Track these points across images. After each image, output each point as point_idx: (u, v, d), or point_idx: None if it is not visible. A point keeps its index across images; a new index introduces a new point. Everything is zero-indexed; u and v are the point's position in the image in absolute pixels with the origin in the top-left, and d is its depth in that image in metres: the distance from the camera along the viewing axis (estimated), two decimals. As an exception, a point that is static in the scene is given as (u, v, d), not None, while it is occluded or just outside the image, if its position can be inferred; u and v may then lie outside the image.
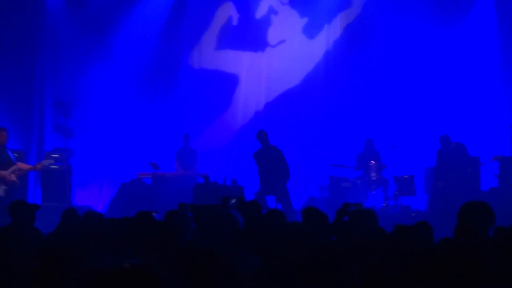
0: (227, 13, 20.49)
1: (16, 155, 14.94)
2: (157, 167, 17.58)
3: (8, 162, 14.23)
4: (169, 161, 18.57)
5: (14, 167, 14.25)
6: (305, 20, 20.35)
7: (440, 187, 16.50)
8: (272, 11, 20.42)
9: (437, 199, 16.50)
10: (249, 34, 20.42)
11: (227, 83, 20.44)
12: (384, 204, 17.36)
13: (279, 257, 5.84)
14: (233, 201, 9.31)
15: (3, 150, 14.33)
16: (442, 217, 13.64)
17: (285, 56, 20.24)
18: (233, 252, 6.53)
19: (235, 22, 20.51)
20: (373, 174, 17.42)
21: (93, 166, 19.12)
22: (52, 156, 16.38)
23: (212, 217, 7.93)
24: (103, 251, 6.45)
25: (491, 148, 17.33)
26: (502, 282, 5.31)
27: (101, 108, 19.45)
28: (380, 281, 5.34)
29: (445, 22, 19.30)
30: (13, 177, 14.16)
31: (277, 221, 8.04)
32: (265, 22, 20.46)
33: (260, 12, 20.45)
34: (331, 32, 20.29)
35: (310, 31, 20.36)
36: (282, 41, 20.41)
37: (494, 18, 18.96)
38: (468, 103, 18.86)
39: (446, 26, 19.28)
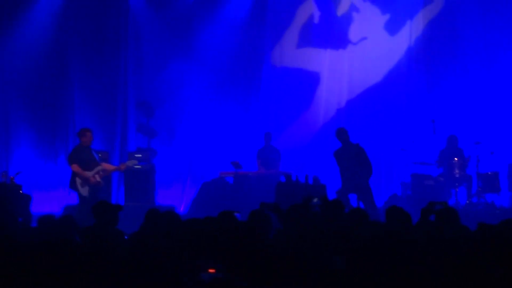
0: (309, 11, 20.43)
1: (100, 155, 15.13)
2: (239, 166, 17.63)
3: (93, 163, 14.43)
4: (251, 160, 18.63)
5: (98, 168, 14.43)
6: (386, 16, 20.17)
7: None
8: (353, 8, 20.31)
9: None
10: (331, 32, 20.34)
11: (308, 81, 20.39)
12: (467, 202, 17.13)
13: (363, 257, 5.78)
14: (315, 200, 9.26)
15: (89, 151, 14.52)
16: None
17: (366, 54, 20.09)
18: (317, 252, 6.50)
19: (316, 20, 20.44)
20: (456, 171, 17.21)
21: (176, 166, 19.29)
22: (136, 156, 16.57)
23: (296, 217, 7.92)
24: (185, 252, 6.48)
25: None
26: None
27: (184, 107, 19.63)
28: (465, 280, 5.27)
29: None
30: (97, 178, 14.34)
31: (361, 220, 8.01)
32: (347, 19, 20.35)
33: (342, 9, 20.35)
34: (413, 29, 20.06)
35: (392, 27, 20.17)
36: (363, 38, 20.27)
37: None
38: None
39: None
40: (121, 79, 19.13)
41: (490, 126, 18.87)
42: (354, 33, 20.34)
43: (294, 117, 20.10)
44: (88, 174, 14.20)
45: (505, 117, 18.91)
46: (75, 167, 14.22)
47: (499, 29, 19.08)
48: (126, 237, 8.32)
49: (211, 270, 5.88)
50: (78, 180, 14.19)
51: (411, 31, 20.09)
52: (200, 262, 6.07)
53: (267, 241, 6.99)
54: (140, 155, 16.69)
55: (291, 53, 20.53)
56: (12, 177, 15.02)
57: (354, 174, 14.89)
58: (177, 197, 18.71)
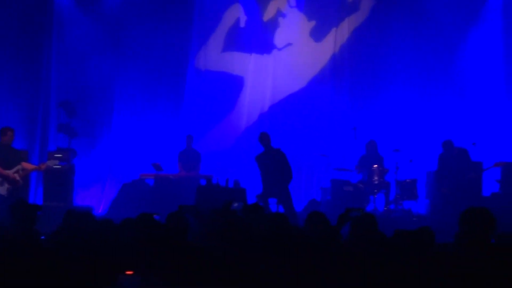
0: (235, 15, 20.42)
1: (21, 154, 14.89)
2: (160, 169, 17.52)
3: (13, 161, 14.20)
4: (172, 162, 18.51)
5: (18, 167, 14.20)
6: (312, 23, 20.29)
7: (442, 192, 16.44)
8: (280, 13, 20.37)
9: (439, 204, 16.45)
10: (256, 37, 20.36)
11: (232, 85, 20.36)
12: (385, 208, 17.28)
13: (282, 259, 5.81)
14: (236, 205, 9.24)
15: (9, 149, 14.28)
16: (443, 222, 13.62)
17: (291, 59, 20.18)
18: (238, 254, 6.50)
19: (242, 24, 20.44)
20: (376, 177, 17.36)
21: (96, 166, 19.07)
22: (56, 156, 16.32)
23: (215, 221, 7.90)
24: (102, 253, 6.41)
25: (494, 153, 17.25)
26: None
27: (105, 108, 19.42)
28: (381, 285, 5.31)
29: (453, 26, 19.23)
30: (17, 177, 14.11)
31: (281, 224, 8.01)
32: (273, 24, 20.40)
33: (268, 14, 20.39)
34: (339, 36, 20.22)
35: (318, 34, 20.29)
36: (289, 44, 20.35)
37: (500, 23, 18.90)
38: (472, 108, 18.82)
39: (453, 30, 19.23)
40: (43, 77, 18.81)
41: (409, 134, 19.15)
42: (279, 38, 20.39)
43: (217, 120, 20.04)
44: (8, 172, 13.97)
45: (425, 126, 19.20)
46: (-5, 166, 14.01)
47: (423, 37, 19.34)
48: (43, 237, 8.19)
49: (128, 272, 5.83)
50: (-3, 179, 13.97)
51: (336, 38, 20.23)
52: (117, 263, 6.00)
53: (184, 243, 6.96)
54: (60, 155, 16.41)
55: (216, 56, 20.46)
56: None
57: (274, 178, 14.91)
58: (96, 198, 18.48)
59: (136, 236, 6.83)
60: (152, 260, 6.12)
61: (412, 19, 19.47)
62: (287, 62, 20.19)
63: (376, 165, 17.42)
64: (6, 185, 13.91)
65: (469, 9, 19.32)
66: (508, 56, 18.66)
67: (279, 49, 20.37)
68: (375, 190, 17.33)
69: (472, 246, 6.04)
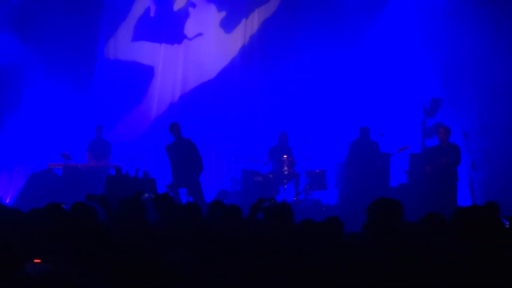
0: (145, 4, 20.23)
1: None
2: (69, 158, 17.26)
3: None
4: (81, 152, 18.26)
5: None
6: (223, 14, 20.27)
7: (350, 180, 16.61)
8: (190, 4, 20.26)
9: (348, 194, 16.63)
10: (166, 26, 20.22)
11: (142, 75, 20.17)
12: (295, 198, 17.40)
13: (199, 249, 5.79)
14: (146, 195, 9.17)
15: None
16: (352, 212, 13.78)
17: (201, 50, 20.12)
18: (150, 243, 6.46)
19: (152, 13, 20.27)
20: (285, 168, 17.45)
21: (3, 155, 18.65)
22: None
23: (126, 211, 7.84)
24: (8, 242, 6.29)
25: (403, 145, 17.50)
26: (408, 278, 5.35)
27: (13, 95, 19.00)
28: (290, 276, 5.33)
29: (362, 16, 19.38)
30: None
31: (195, 214, 8.00)
32: (183, 14, 20.28)
33: (178, 4, 20.27)
34: (248, 27, 20.26)
35: (228, 25, 20.28)
36: (199, 34, 20.27)
37: (412, 13, 19.14)
38: (380, 100, 19.02)
39: (363, 20, 19.39)
40: None
41: (319, 125, 19.32)
42: (190, 28, 20.30)
43: (127, 110, 19.83)
44: None
45: (334, 117, 19.38)
46: None
47: (333, 30, 19.49)
48: None
49: (36, 260, 5.75)
50: None
51: (246, 29, 20.27)
52: (24, 252, 5.90)
53: (91, 232, 6.88)
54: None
55: (126, 46, 20.23)
56: None
57: (184, 168, 14.87)
58: (3, 188, 18.08)
59: (44, 225, 6.72)
60: (59, 248, 6.04)
61: (322, 10, 19.56)
62: (197, 52, 20.12)
63: (285, 156, 17.51)
64: None
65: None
66: (418, 46, 18.90)
67: (189, 39, 20.29)
68: (285, 181, 17.42)
69: (379, 235, 6.11)
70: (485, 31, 17.68)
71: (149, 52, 20.22)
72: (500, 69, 17.62)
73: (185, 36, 20.31)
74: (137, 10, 20.24)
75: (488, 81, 17.82)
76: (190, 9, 20.29)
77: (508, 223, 8.03)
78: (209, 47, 20.09)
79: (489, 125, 17.70)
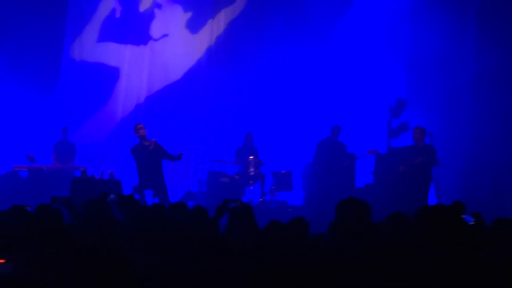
0: (110, 5, 20.16)
1: None
2: (34, 160, 17.14)
3: None
4: (46, 154, 18.13)
5: None
6: (189, 14, 20.23)
7: (317, 181, 16.64)
8: (156, 4, 20.23)
9: (314, 195, 16.66)
10: (132, 27, 20.16)
11: (108, 76, 20.10)
12: (261, 199, 17.40)
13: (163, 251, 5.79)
14: (112, 196, 9.13)
15: None
16: (318, 213, 13.80)
17: (167, 50, 20.08)
18: (115, 245, 6.44)
19: (118, 14, 20.20)
20: (251, 169, 17.45)
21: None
22: None
23: (90, 211, 7.82)
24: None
25: (369, 145, 17.56)
26: (373, 278, 5.38)
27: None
28: (255, 277, 5.34)
29: (330, 16, 19.46)
30: None
31: (162, 216, 7.98)
32: (149, 15, 20.24)
33: (144, 5, 20.23)
34: (215, 28, 20.24)
35: (194, 26, 20.26)
36: (165, 35, 20.23)
37: (378, 13, 19.20)
38: (346, 100, 19.08)
39: (331, 20, 19.46)
40: None
41: (286, 125, 19.35)
42: (155, 29, 20.26)
43: (93, 111, 19.73)
44: None
45: (301, 117, 19.43)
46: None
47: (302, 30, 19.53)
48: None
49: (0, 261, 5.74)
50: None
51: (213, 30, 20.25)
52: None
53: (57, 234, 6.86)
54: None
55: (92, 47, 20.14)
56: None
57: (150, 170, 14.82)
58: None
59: (8, 228, 6.68)
60: (23, 249, 6.03)
61: (288, 9, 19.61)
62: (163, 53, 20.08)
63: (251, 157, 17.52)
64: None
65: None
66: (382, 47, 18.99)
67: (155, 40, 20.24)
68: (251, 182, 17.41)
69: (345, 235, 6.13)
70: (449, 29, 17.81)
71: (115, 53, 20.14)
72: (464, 67, 17.76)
73: (151, 37, 20.25)
74: (103, 11, 20.16)
75: (452, 79, 17.95)
76: (156, 10, 20.25)
77: (473, 219, 8.09)
78: (175, 48, 20.05)
79: (454, 124, 17.82)
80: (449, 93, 18.01)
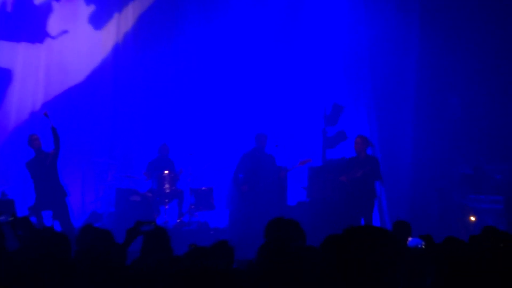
0: (0, -3, 19.93)
1: None
2: None
3: None
4: None
5: None
6: (91, 8, 20.06)
7: (242, 199, 16.63)
8: (53, -4, 20.05)
9: (239, 215, 16.63)
10: (26, 23, 19.87)
11: (-2, 79, 19.85)
12: (178, 220, 17.37)
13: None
14: (3, 218, 8.97)
15: None
16: (244, 235, 13.80)
17: (67, 50, 19.84)
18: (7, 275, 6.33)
19: (9, 8, 19.91)
20: (166, 185, 17.36)
21: None
22: None
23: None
24: None
25: (301, 158, 17.57)
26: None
27: None
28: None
29: (254, 11, 19.55)
30: None
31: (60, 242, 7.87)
32: (45, 9, 19.99)
33: (40, -3, 20.04)
34: (122, 23, 20.12)
35: (98, 21, 20.09)
36: (64, 32, 19.99)
37: (312, 9, 19.32)
38: (274, 106, 19.14)
39: (255, 16, 19.53)
40: None
41: (205, 135, 19.33)
42: (53, 25, 20.00)
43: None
44: None
45: (224, 126, 19.47)
46: None
47: (221, 25, 19.57)
48: None
49: None
50: None
51: (119, 25, 20.10)
52: None
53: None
54: None
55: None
56: None
57: (48, 188, 14.61)
58: None
59: None
60: None
61: (205, 2, 19.66)
62: (62, 53, 19.84)
63: (166, 171, 17.42)
64: None
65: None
66: (313, 45, 19.10)
67: (53, 38, 19.99)
68: (166, 200, 17.35)
69: (273, 262, 6.09)
70: (389, 25, 18.04)
71: (6, 53, 19.82)
72: (406, 67, 18.00)
73: (47, 34, 20.00)
74: (-9, 4, 19.88)
75: (394, 80, 18.16)
76: (54, 3, 20.01)
77: (423, 242, 8.14)
78: (76, 46, 19.83)
79: (397, 130, 18.01)
80: (391, 96, 18.19)
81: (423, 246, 8.07)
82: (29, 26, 19.88)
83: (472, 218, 16.29)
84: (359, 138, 15.80)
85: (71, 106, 19.63)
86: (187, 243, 7.18)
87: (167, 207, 17.37)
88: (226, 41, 19.56)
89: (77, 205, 18.04)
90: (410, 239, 9.56)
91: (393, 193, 17.55)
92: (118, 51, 20.00)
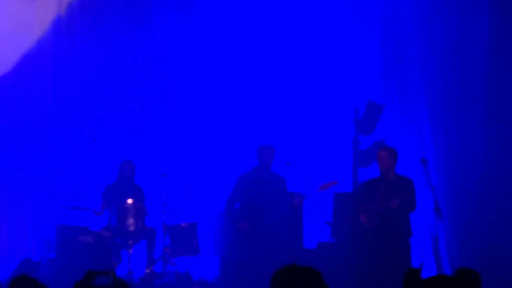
0: None
1: None
2: None
3: None
4: None
5: None
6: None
7: (239, 240, 16.56)
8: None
9: (234, 262, 16.63)
10: None
11: None
12: (147, 271, 17.28)
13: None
14: None
15: None
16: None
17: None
18: None
19: None
20: (130, 220, 17.23)
21: None
22: None
23: None
24: None
25: (323, 180, 17.49)
26: None
27: None
28: None
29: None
30: None
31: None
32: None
33: None
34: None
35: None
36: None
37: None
38: (286, 109, 19.21)
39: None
40: None
41: (185, 149, 19.44)
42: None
43: None
44: None
45: (211, 137, 19.54)
46: None
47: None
48: None
49: None
50: None
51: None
52: None
53: None
54: None
55: None
56: None
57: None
58: None
59: None
60: None
61: None
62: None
63: (131, 200, 17.28)
64: None
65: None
66: (337, 22, 19.16)
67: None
68: (130, 242, 17.27)
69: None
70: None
71: None
72: (474, 54, 18.03)
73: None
74: None
75: (456, 74, 18.16)
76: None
77: None
78: (6, 23, 19.79)
79: (462, 140, 17.99)
80: (452, 95, 18.19)
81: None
82: None
83: None
84: (383, 152, 15.81)
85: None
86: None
87: (131, 251, 17.28)
88: (213, 15, 19.65)
89: (3, 249, 17.94)
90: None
91: (457, 228, 17.51)
92: (59, 27, 19.98)
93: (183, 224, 17.54)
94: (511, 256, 17.21)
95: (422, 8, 18.53)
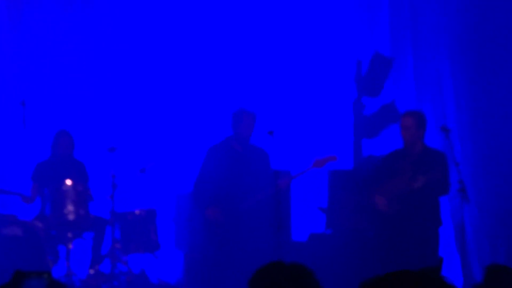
0: None
1: None
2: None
3: None
4: None
5: None
6: None
7: (209, 230, 16.68)
8: None
9: (203, 258, 16.70)
10: None
11: None
12: (91, 271, 17.36)
13: None
14: None
15: None
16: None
17: None
18: None
19: None
20: (70, 208, 17.30)
21: None
22: None
23: None
24: None
25: (316, 154, 17.61)
26: None
27: None
28: None
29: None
30: None
31: None
32: None
33: None
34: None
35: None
36: None
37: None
38: (270, 66, 19.32)
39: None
40: None
41: (142, 119, 19.56)
42: None
43: None
44: None
45: (174, 98, 19.78)
46: None
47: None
48: None
49: None
50: None
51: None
52: None
53: None
54: None
55: None
56: None
57: None
58: None
59: None
60: None
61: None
62: None
63: (70, 181, 17.35)
64: None
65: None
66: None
67: None
68: (70, 234, 17.29)
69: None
70: None
71: None
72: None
73: None
74: None
75: (495, 15, 18.35)
76: None
77: None
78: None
79: (491, 110, 18.13)
80: (481, 42, 18.35)
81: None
82: None
83: None
84: (408, 118, 15.83)
85: None
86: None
87: (70, 246, 17.30)
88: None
89: None
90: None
91: (487, 214, 17.65)
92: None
93: (138, 212, 17.63)
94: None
95: None
